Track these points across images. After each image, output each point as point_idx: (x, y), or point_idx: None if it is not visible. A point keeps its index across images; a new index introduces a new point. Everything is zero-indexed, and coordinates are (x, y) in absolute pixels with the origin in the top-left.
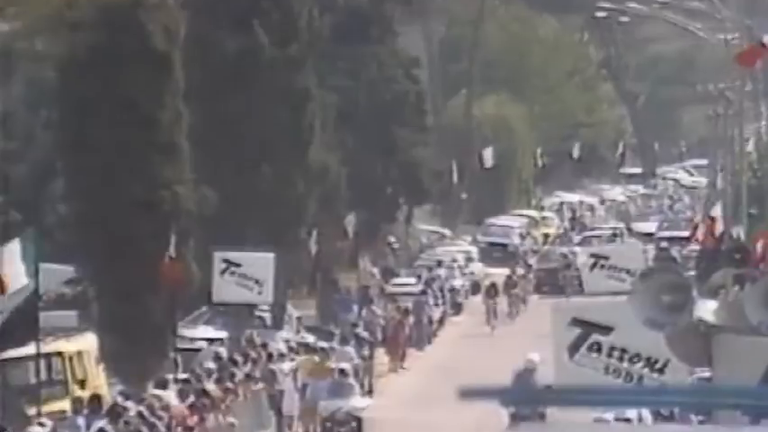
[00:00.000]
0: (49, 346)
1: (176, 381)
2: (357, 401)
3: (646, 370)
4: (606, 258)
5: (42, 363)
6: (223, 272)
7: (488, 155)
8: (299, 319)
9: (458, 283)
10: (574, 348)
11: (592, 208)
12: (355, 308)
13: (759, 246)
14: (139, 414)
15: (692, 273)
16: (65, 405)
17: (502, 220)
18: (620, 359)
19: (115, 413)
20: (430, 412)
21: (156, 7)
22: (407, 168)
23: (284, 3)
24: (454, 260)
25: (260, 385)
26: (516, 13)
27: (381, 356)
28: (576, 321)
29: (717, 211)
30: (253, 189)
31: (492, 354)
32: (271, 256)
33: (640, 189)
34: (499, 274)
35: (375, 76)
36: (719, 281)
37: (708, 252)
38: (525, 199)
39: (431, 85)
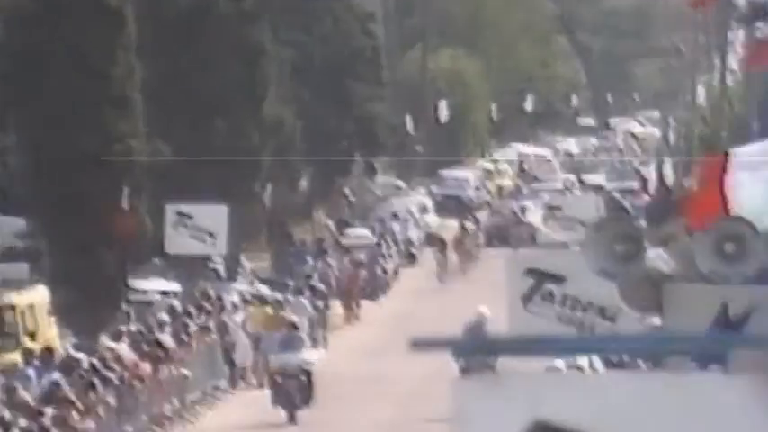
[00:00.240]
0: (1, 298)
1: (129, 333)
2: (307, 354)
3: (598, 318)
4: (559, 209)
5: None
6: (176, 224)
7: (443, 108)
8: (252, 271)
9: (413, 234)
10: (527, 298)
11: (546, 160)
12: (310, 260)
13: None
14: (92, 366)
15: (643, 223)
16: (16, 357)
17: (456, 172)
18: (573, 308)
19: (68, 366)
20: (383, 364)
21: None
22: (363, 122)
23: None
24: (409, 212)
25: (214, 337)
26: None
27: (336, 308)
28: (530, 271)
29: (668, 163)
30: (206, 142)
31: (446, 305)
32: (224, 208)
33: (593, 141)
34: (453, 226)
35: (330, 30)
36: (670, 230)
37: (659, 203)
38: (480, 151)
39: (386, 39)
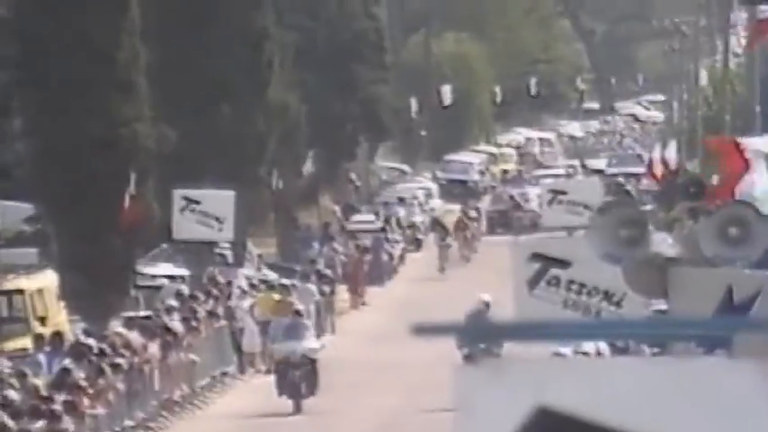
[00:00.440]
0: (10, 283)
1: (138, 318)
2: (312, 343)
3: (603, 303)
4: (564, 193)
5: (3, 300)
6: (183, 209)
7: (447, 92)
8: (259, 256)
9: (418, 219)
10: (533, 283)
11: (550, 143)
12: (316, 245)
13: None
14: (101, 351)
15: (648, 207)
16: (26, 342)
17: (461, 156)
18: (579, 293)
19: (78, 351)
20: (388, 349)
21: None
22: (367, 106)
23: None
24: (414, 197)
25: (222, 323)
26: None
27: (341, 293)
28: (535, 256)
29: (672, 146)
30: (212, 127)
31: (451, 290)
32: (231, 193)
33: (598, 125)
34: (458, 210)
35: (334, 14)
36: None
37: (664, 186)
38: (484, 135)
39: (390, 23)
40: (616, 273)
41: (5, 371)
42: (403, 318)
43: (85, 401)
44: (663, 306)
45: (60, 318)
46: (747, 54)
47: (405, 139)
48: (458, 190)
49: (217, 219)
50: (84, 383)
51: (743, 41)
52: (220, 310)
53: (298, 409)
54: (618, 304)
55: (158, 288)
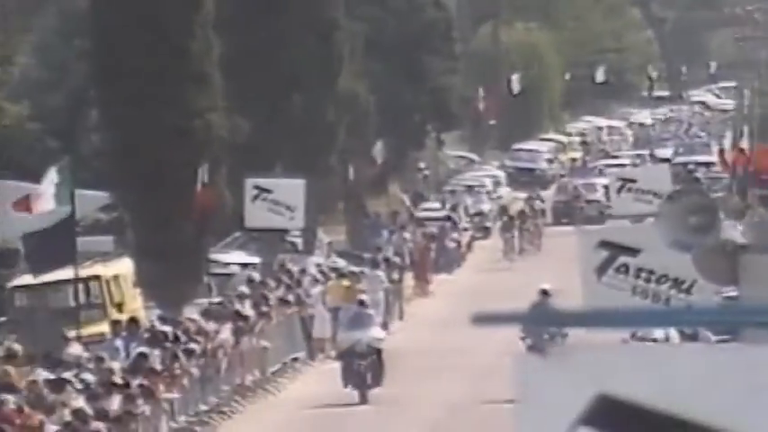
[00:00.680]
0: (87, 270)
1: (211, 305)
2: (377, 333)
3: (673, 290)
4: (634, 181)
5: (81, 286)
6: (255, 198)
7: (516, 81)
8: (329, 244)
9: (486, 207)
10: (601, 271)
11: (619, 132)
12: (385, 233)
13: None
14: (176, 337)
15: (719, 194)
16: (103, 328)
17: (529, 144)
18: (648, 280)
19: (154, 337)
20: (455, 337)
21: None
22: (436, 95)
23: None
24: (482, 185)
25: (293, 309)
26: None
27: (408, 281)
28: (604, 244)
29: (744, 133)
30: (283, 117)
31: (519, 278)
32: (302, 182)
33: (667, 113)
34: (523, 200)
35: (403, 4)
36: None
37: (735, 174)
38: (553, 124)
39: (459, 13)
40: (686, 260)
41: (84, 355)
42: (469, 305)
43: (161, 386)
44: (733, 293)
45: (136, 304)
46: None
47: (473, 128)
48: (526, 178)
49: (288, 207)
50: (159, 368)
51: None
52: (291, 297)
53: (363, 400)
54: (688, 291)
55: (231, 275)
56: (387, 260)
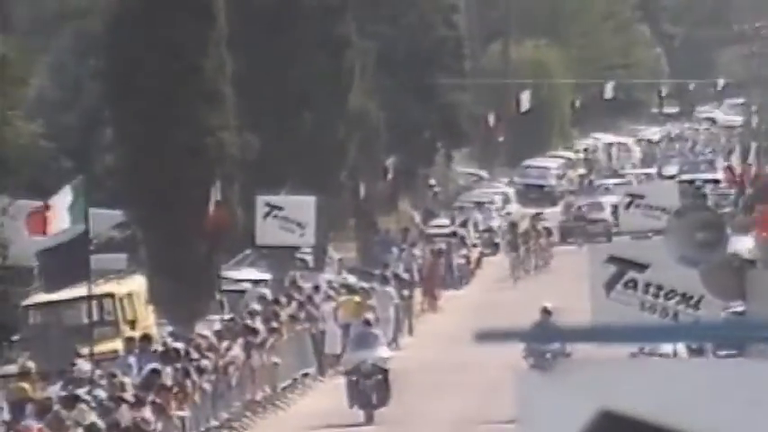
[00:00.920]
0: (100, 287)
1: (222, 321)
2: (383, 352)
3: (681, 305)
4: (642, 197)
5: (94, 304)
6: (266, 215)
7: (525, 98)
8: (340, 260)
9: (495, 223)
10: (610, 286)
11: (627, 148)
12: (395, 249)
13: None
14: (187, 354)
15: (726, 210)
16: (116, 345)
17: (538, 161)
18: (656, 295)
19: (166, 354)
20: (461, 352)
21: None
22: (446, 112)
23: None
24: (491, 201)
25: (305, 325)
26: None
27: (418, 297)
28: (613, 259)
29: (751, 150)
30: (294, 135)
31: (528, 295)
32: (312, 199)
33: (674, 129)
34: (537, 211)
35: (414, 22)
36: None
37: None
38: (562, 141)
39: (469, 31)
40: (693, 275)
41: (97, 372)
42: (476, 321)
43: (172, 402)
44: (740, 308)
45: (149, 321)
46: None
47: (482, 145)
48: (535, 194)
49: (299, 224)
50: (170, 385)
51: None
52: (302, 314)
53: (369, 420)
54: (695, 306)
55: (242, 292)
56: (396, 276)
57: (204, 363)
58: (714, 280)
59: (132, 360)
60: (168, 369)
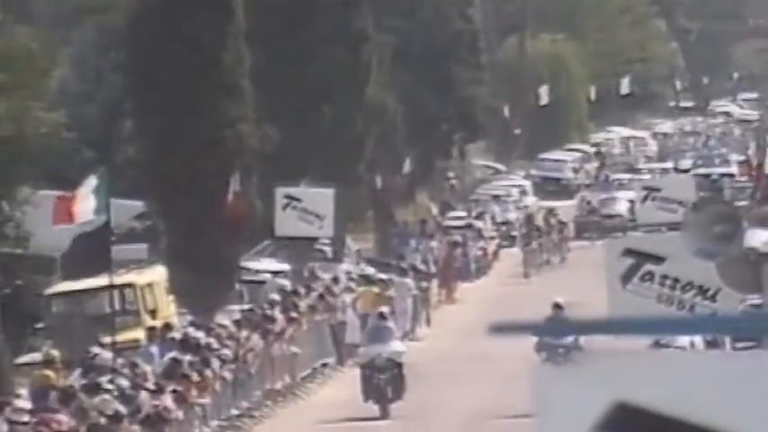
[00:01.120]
0: (122, 277)
1: (242, 311)
2: (397, 346)
3: (698, 298)
4: (658, 190)
5: (116, 293)
6: (285, 207)
7: (543, 93)
8: (358, 251)
9: (512, 216)
10: (627, 278)
11: (644, 142)
12: (413, 241)
13: None
14: (208, 343)
15: (743, 203)
16: (138, 334)
17: (555, 154)
18: (673, 288)
19: (187, 343)
20: (477, 343)
21: None
22: (463, 106)
23: None
24: (508, 194)
25: (324, 315)
26: None
27: (433, 289)
28: (629, 252)
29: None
30: (313, 127)
31: (545, 287)
32: (331, 191)
33: (690, 123)
34: (550, 206)
35: (430, 16)
36: None
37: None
38: (579, 134)
39: (485, 24)
40: (710, 268)
41: (119, 361)
42: (493, 313)
43: (193, 391)
44: (757, 300)
45: (169, 311)
46: None
47: (499, 138)
48: (551, 187)
49: (317, 216)
50: (191, 374)
51: None
52: (321, 305)
53: (384, 414)
54: (712, 299)
55: (261, 283)
56: (414, 268)
57: (224, 352)
58: (731, 273)
59: (154, 349)
60: (188, 358)
